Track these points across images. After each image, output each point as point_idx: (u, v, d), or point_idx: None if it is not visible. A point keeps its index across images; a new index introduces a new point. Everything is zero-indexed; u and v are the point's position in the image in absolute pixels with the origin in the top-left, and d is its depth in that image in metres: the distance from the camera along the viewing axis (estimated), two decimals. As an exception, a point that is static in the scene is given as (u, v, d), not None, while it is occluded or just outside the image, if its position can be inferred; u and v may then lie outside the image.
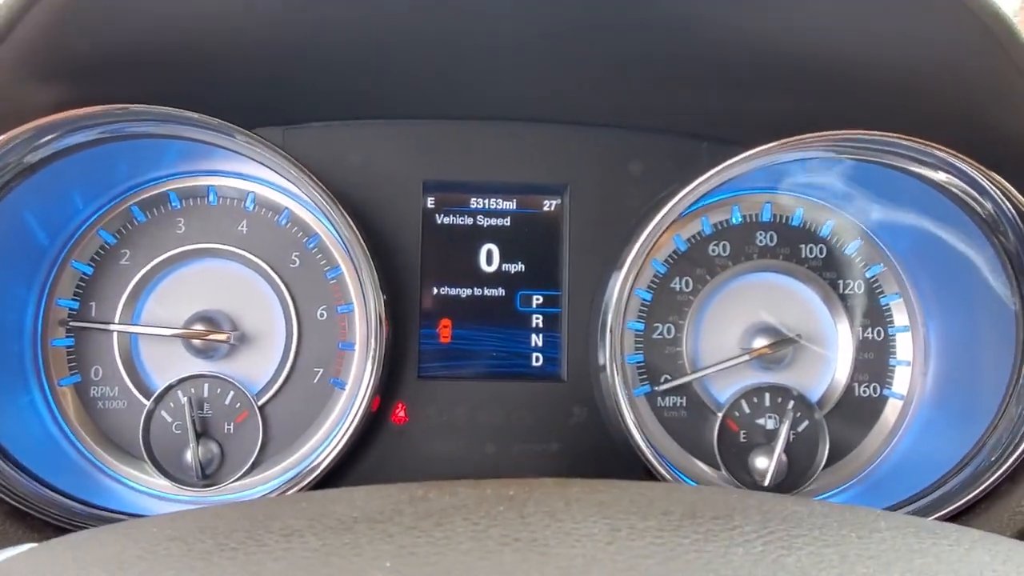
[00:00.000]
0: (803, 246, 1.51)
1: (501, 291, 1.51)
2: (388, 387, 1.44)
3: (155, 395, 1.39)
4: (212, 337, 1.40)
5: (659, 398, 1.48)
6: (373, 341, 1.32)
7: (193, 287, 1.44)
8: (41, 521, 1.20)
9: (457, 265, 1.51)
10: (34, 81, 1.19)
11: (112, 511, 1.27)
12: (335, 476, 1.35)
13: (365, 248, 1.31)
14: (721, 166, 1.29)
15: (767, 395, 1.46)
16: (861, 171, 1.40)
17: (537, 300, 1.51)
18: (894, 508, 1.32)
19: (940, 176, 1.31)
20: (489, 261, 1.51)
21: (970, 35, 1.10)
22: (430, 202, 1.51)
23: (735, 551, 0.59)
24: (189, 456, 1.37)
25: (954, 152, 1.24)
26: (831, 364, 1.50)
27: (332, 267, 1.46)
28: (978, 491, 1.25)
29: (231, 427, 1.42)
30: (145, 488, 1.41)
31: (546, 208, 1.52)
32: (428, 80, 1.40)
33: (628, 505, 0.68)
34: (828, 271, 1.51)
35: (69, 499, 1.26)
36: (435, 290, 1.50)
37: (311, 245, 1.46)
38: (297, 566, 0.56)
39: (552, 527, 0.63)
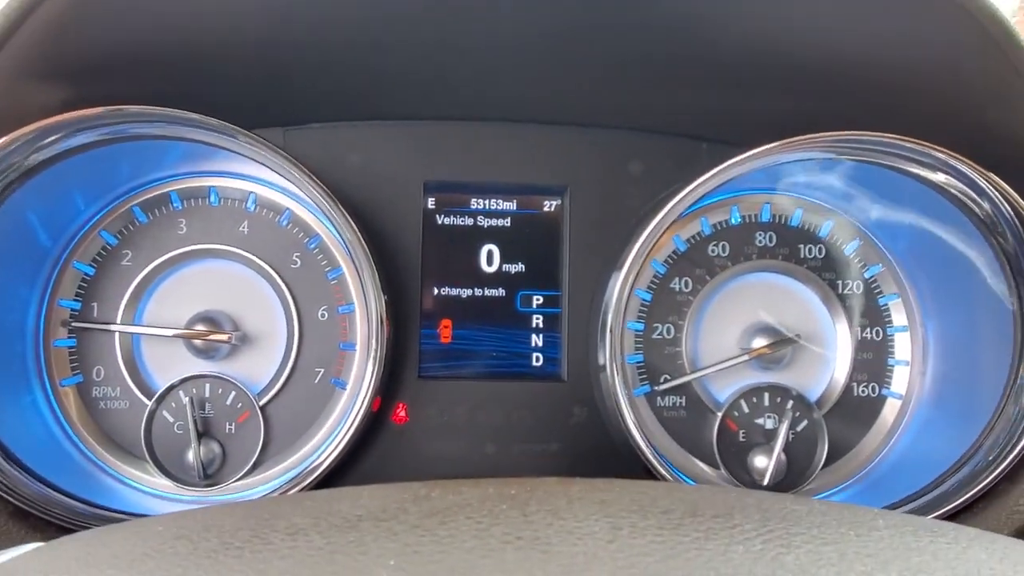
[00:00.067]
0: (802, 246, 1.52)
1: (501, 291, 1.52)
2: (389, 387, 1.44)
3: (157, 395, 1.40)
4: (213, 337, 1.41)
5: (659, 398, 1.49)
6: (374, 341, 1.33)
7: (194, 288, 1.45)
8: (44, 521, 1.20)
9: (458, 265, 1.51)
10: (37, 82, 1.19)
11: (114, 511, 1.27)
12: (336, 476, 1.35)
13: (366, 248, 1.31)
14: (721, 167, 1.29)
15: (766, 395, 1.47)
16: (860, 172, 1.41)
17: (537, 300, 1.52)
18: (893, 507, 1.32)
19: (939, 177, 1.31)
20: (489, 261, 1.52)
21: (968, 36, 1.11)
22: (431, 203, 1.51)
23: (735, 549, 0.60)
24: (191, 456, 1.38)
25: (953, 153, 1.24)
26: (830, 364, 1.51)
27: (333, 267, 1.46)
28: (976, 490, 1.26)
29: (232, 427, 1.42)
30: (147, 488, 1.42)
31: (546, 208, 1.53)
32: (429, 81, 1.40)
33: (629, 504, 0.69)
34: (827, 271, 1.51)
35: (71, 499, 1.26)
36: (436, 290, 1.50)
37: (312, 246, 1.46)
38: (302, 564, 0.57)
39: (554, 526, 0.63)
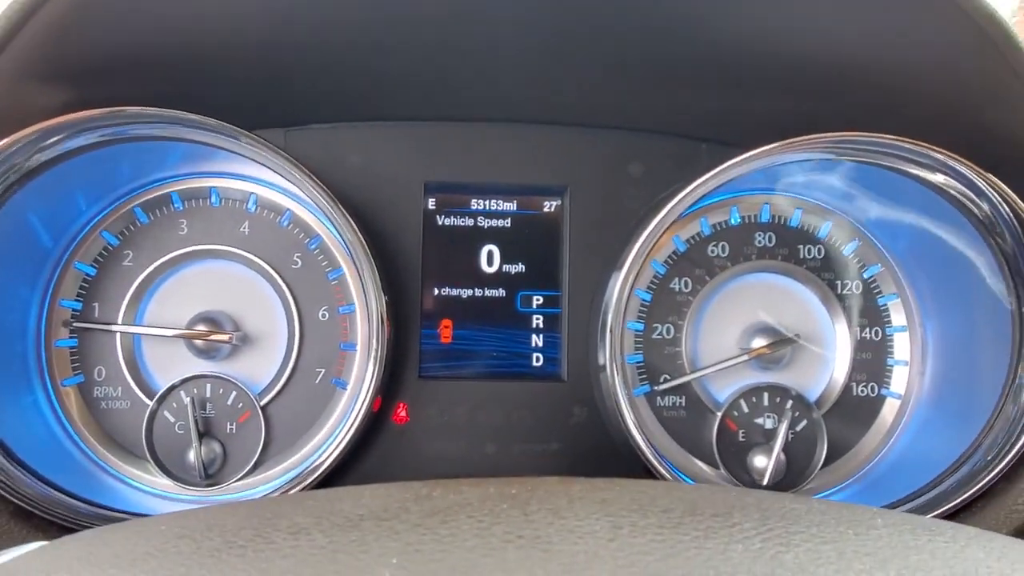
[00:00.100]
0: (801, 247, 1.52)
1: (502, 292, 1.52)
2: (389, 387, 1.44)
3: (158, 395, 1.40)
4: (214, 338, 1.41)
5: (659, 398, 1.49)
6: (374, 341, 1.33)
7: (195, 288, 1.45)
8: (46, 521, 1.21)
9: (458, 266, 1.52)
10: (38, 84, 1.20)
11: (115, 510, 1.28)
12: (337, 476, 1.36)
13: (366, 249, 1.32)
14: (721, 167, 1.30)
15: (766, 395, 1.47)
16: (859, 172, 1.41)
17: (537, 300, 1.52)
18: (892, 506, 1.32)
19: (938, 178, 1.32)
20: (490, 262, 1.52)
21: (966, 37, 1.11)
22: (431, 203, 1.51)
23: (734, 548, 0.60)
24: (192, 456, 1.38)
25: (951, 154, 1.25)
26: (829, 364, 1.51)
27: (334, 268, 1.47)
28: (975, 490, 1.26)
29: (233, 427, 1.42)
30: (148, 488, 1.42)
31: (546, 209, 1.53)
32: (429, 82, 1.40)
33: (629, 503, 0.69)
34: (826, 271, 1.52)
35: (73, 499, 1.26)
36: (436, 291, 1.51)
37: (313, 246, 1.47)
38: (305, 563, 0.57)
39: (555, 525, 0.64)
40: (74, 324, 1.43)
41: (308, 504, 0.69)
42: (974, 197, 1.30)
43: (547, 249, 1.52)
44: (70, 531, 1.20)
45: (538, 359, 1.51)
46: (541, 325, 1.52)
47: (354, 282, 1.45)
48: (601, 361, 1.37)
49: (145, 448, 1.39)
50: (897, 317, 1.52)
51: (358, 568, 0.56)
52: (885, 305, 1.52)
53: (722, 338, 1.50)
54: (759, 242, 1.52)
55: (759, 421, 1.47)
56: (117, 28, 1.16)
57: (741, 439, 1.47)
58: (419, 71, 1.36)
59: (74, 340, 1.43)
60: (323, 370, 1.45)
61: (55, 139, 1.23)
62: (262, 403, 1.43)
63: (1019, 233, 1.28)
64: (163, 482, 1.40)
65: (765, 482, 1.41)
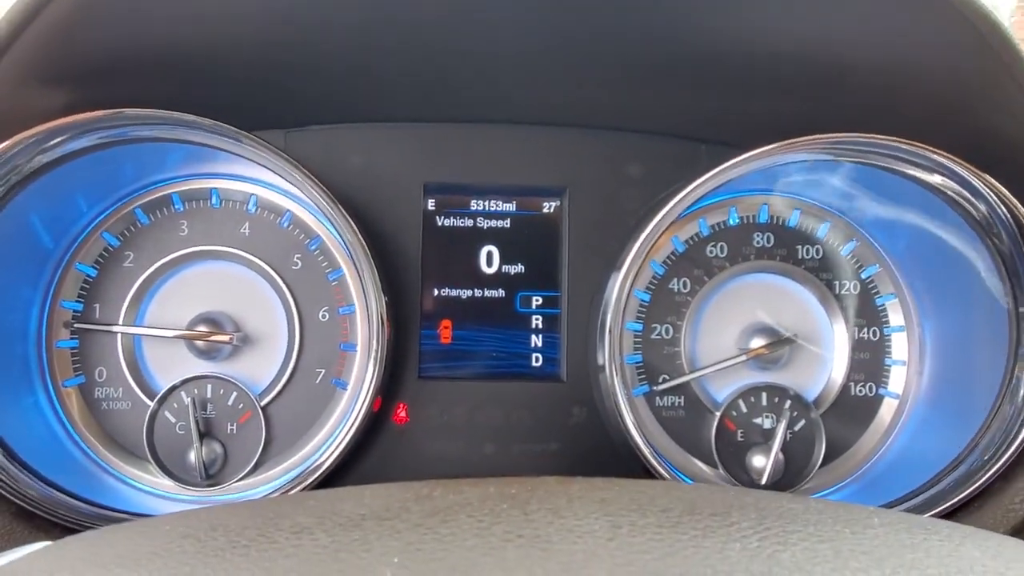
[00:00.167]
0: (800, 247, 1.53)
1: (501, 292, 1.52)
2: (389, 387, 1.45)
3: (159, 396, 1.41)
4: (215, 338, 1.42)
5: (657, 398, 1.50)
6: (374, 342, 1.34)
7: (196, 289, 1.46)
8: (48, 521, 1.21)
9: (457, 266, 1.52)
10: (40, 86, 1.20)
11: (117, 511, 1.28)
12: (337, 476, 1.36)
13: (366, 250, 1.32)
14: (719, 168, 1.30)
15: (764, 395, 1.48)
16: (857, 173, 1.42)
17: (537, 301, 1.53)
18: (889, 506, 1.33)
19: (935, 178, 1.32)
20: (489, 262, 1.53)
21: (963, 39, 1.12)
22: (431, 204, 1.52)
23: (732, 547, 0.61)
24: (193, 456, 1.38)
25: (949, 155, 1.25)
26: (827, 364, 1.52)
27: (334, 269, 1.47)
28: (972, 489, 1.27)
29: (234, 427, 1.43)
30: (149, 488, 1.43)
31: (546, 210, 1.54)
32: (428, 83, 1.41)
33: (628, 502, 0.70)
34: (824, 272, 1.52)
35: (74, 499, 1.27)
36: (436, 291, 1.51)
37: (313, 247, 1.47)
38: (308, 562, 0.58)
39: (554, 524, 0.64)
40: (75, 325, 1.43)
41: (310, 504, 0.70)
42: (971, 198, 1.31)
43: (546, 250, 1.53)
44: (72, 531, 1.21)
45: (537, 359, 1.52)
46: (540, 325, 1.52)
47: (354, 283, 1.46)
48: (600, 361, 1.37)
49: (146, 448, 1.39)
50: (895, 317, 1.52)
51: (360, 567, 0.57)
52: (883, 305, 1.53)
53: (721, 338, 1.51)
54: (757, 242, 1.52)
55: (757, 421, 1.48)
56: (118, 30, 1.17)
57: (740, 439, 1.47)
58: (418, 72, 1.37)
59: (75, 341, 1.44)
60: (323, 370, 1.46)
61: (56, 141, 1.23)
62: (262, 403, 1.44)
63: (1016, 233, 1.28)
64: (164, 482, 1.41)
65: (764, 481, 1.42)
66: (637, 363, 1.50)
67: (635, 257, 1.35)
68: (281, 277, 1.46)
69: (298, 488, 1.30)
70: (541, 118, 1.51)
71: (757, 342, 1.47)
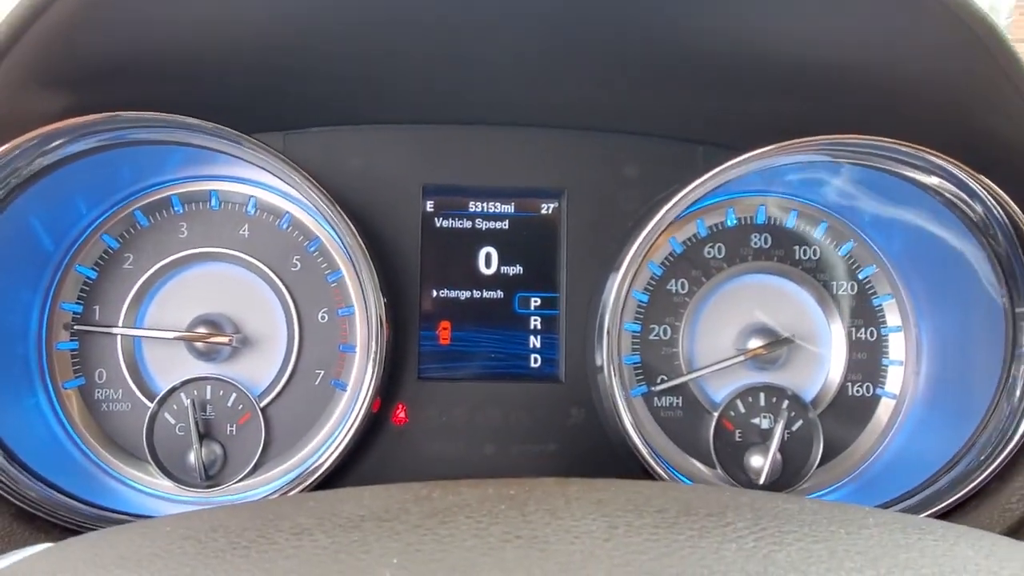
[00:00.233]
0: (797, 248, 1.53)
1: (499, 293, 1.53)
2: (388, 388, 1.45)
3: (158, 397, 1.41)
4: (214, 340, 1.42)
5: (656, 398, 1.50)
6: (373, 343, 1.34)
7: (195, 291, 1.46)
8: (48, 522, 1.22)
9: (456, 268, 1.53)
10: (39, 90, 1.20)
11: (117, 512, 1.28)
12: (336, 477, 1.36)
13: (365, 251, 1.33)
14: (717, 169, 1.31)
15: (762, 395, 1.48)
16: (854, 174, 1.43)
17: (535, 302, 1.53)
18: (886, 505, 1.33)
19: (932, 180, 1.33)
20: (488, 264, 1.53)
21: (959, 41, 1.12)
22: (429, 206, 1.52)
23: (728, 547, 0.61)
24: (192, 457, 1.39)
25: (945, 156, 1.26)
26: (825, 364, 1.53)
27: (333, 270, 1.48)
28: (968, 489, 1.27)
29: (234, 429, 1.43)
30: (149, 489, 1.43)
31: (544, 211, 1.54)
32: (427, 86, 1.41)
33: (625, 503, 0.70)
34: (821, 272, 1.53)
35: (74, 500, 1.27)
36: (434, 292, 1.52)
37: (312, 249, 1.48)
38: (308, 563, 0.58)
39: (552, 525, 0.65)
40: (75, 327, 1.44)
41: (310, 505, 0.70)
42: (968, 199, 1.31)
43: (545, 251, 1.53)
44: (72, 533, 1.21)
45: (536, 360, 1.52)
46: (539, 326, 1.53)
47: (353, 284, 1.46)
48: (598, 362, 1.38)
49: (146, 450, 1.40)
50: (892, 317, 1.53)
51: (359, 568, 0.57)
52: (880, 305, 1.53)
53: (718, 339, 1.52)
54: (755, 243, 1.53)
55: (755, 421, 1.48)
56: (118, 33, 1.17)
57: (738, 439, 1.48)
58: (417, 75, 1.37)
59: (75, 343, 1.44)
60: (322, 372, 1.46)
61: (56, 144, 1.24)
62: (262, 405, 1.44)
63: (1012, 234, 1.29)
64: (164, 483, 1.41)
65: (761, 481, 1.42)
66: (635, 364, 1.50)
67: (633, 258, 1.35)
68: (280, 279, 1.46)
69: (298, 489, 1.30)
70: (539, 120, 1.51)
71: (755, 343, 1.48)
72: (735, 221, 1.53)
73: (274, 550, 0.60)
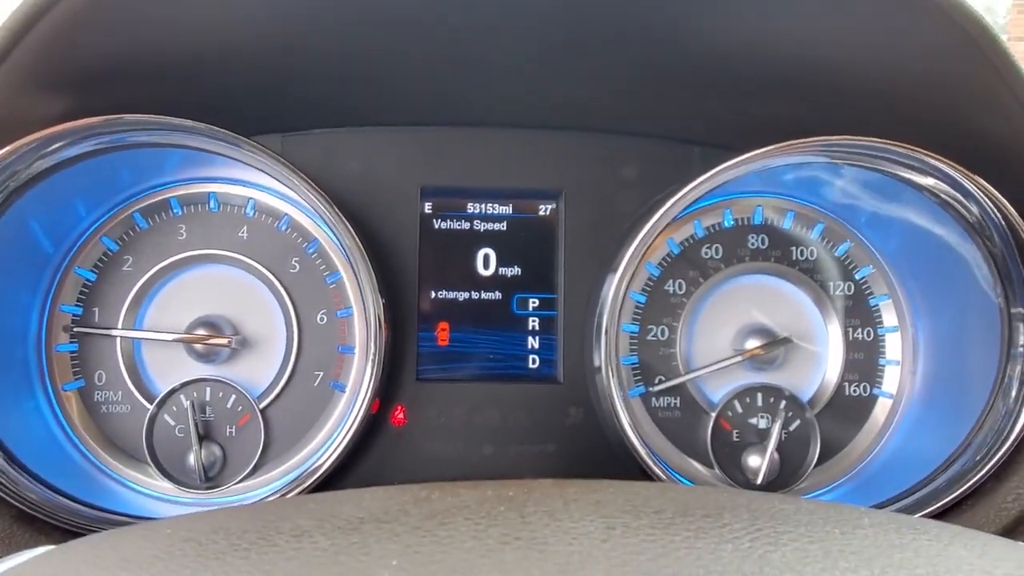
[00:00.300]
0: (794, 248, 1.54)
1: (498, 294, 1.53)
2: (387, 389, 1.46)
3: (158, 399, 1.42)
4: (213, 341, 1.43)
5: (654, 399, 1.51)
6: (372, 344, 1.34)
7: (195, 292, 1.46)
8: (48, 524, 1.22)
9: (454, 269, 1.53)
10: (38, 93, 1.21)
11: (117, 513, 1.29)
12: (336, 478, 1.37)
13: (364, 253, 1.33)
14: (714, 170, 1.31)
15: (759, 395, 1.49)
16: (851, 175, 1.43)
17: (533, 303, 1.54)
18: (883, 505, 1.34)
19: (928, 181, 1.33)
20: (486, 265, 1.54)
21: (953, 42, 1.13)
22: (427, 207, 1.53)
23: (724, 547, 0.62)
24: (192, 459, 1.39)
25: (942, 158, 1.26)
26: (822, 364, 1.53)
27: (331, 272, 1.48)
28: (964, 488, 1.28)
29: (233, 430, 1.44)
30: (149, 491, 1.43)
31: (542, 212, 1.55)
32: (425, 88, 1.42)
33: (623, 504, 0.71)
34: (818, 273, 1.54)
35: (75, 502, 1.27)
36: (433, 294, 1.52)
37: (311, 250, 1.48)
38: (308, 565, 0.59)
39: (550, 526, 0.65)
40: (74, 329, 1.44)
41: (310, 507, 0.71)
42: (963, 200, 1.32)
43: (542, 252, 1.54)
44: (72, 535, 1.22)
45: (534, 361, 1.53)
46: (537, 327, 1.53)
47: (352, 286, 1.47)
48: (597, 363, 1.38)
49: (146, 451, 1.40)
50: (888, 317, 1.53)
51: (359, 570, 0.58)
52: (877, 306, 1.54)
53: (716, 339, 1.52)
54: (752, 244, 1.53)
55: (753, 421, 1.49)
56: (117, 36, 1.17)
57: (735, 439, 1.48)
58: (416, 76, 1.37)
59: (74, 345, 1.44)
60: (321, 373, 1.47)
61: (55, 147, 1.24)
62: (261, 406, 1.44)
63: (1007, 235, 1.29)
64: (164, 485, 1.42)
65: (759, 481, 1.43)
66: (633, 364, 1.51)
67: (631, 259, 1.36)
68: (279, 280, 1.46)
69: (297, 490, 1.31)
70: (537, 121, 1.52)
71: (752, 343, 1.48)
72: (732, 222, 1.53)
73: (274, 552, 0.61)
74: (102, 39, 1.17)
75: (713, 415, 1.48)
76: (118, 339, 1.44)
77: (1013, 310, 1.33)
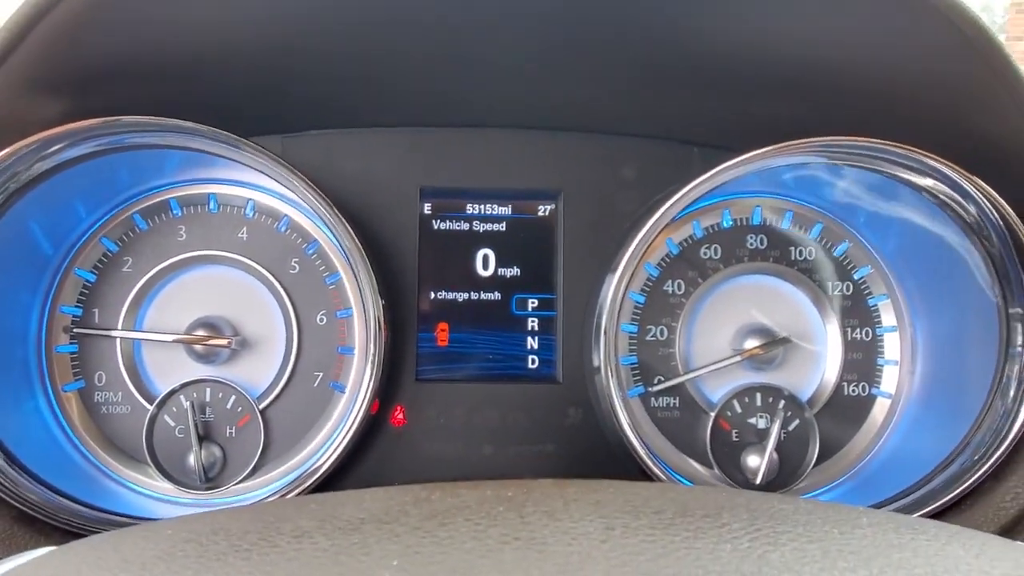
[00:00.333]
0: (792, 248, 1.54)
1: (497, 295, 1.54)
2: (387, 390, 1.46)
3: (158, 400, 1.42)
4: (213, 342, 1.43)
5: (653, 399, 1.51)
6: (372, 345, 1.35)
7: (194, 293, 1.47)
8: (49, 525, 1.22)
9: (453, 270, 1.53)
10: (38, 94, 1.21)
11: (117, 514, 1.29)
12: (336, 478, 1.37)
13: (363, 254, 1.33)
14: (714, 171, 1.31)
15: (758, 395, 1.49)
16: (849, 175, 1.44)
17: (532, 303, 1.54)
18: (882, 505, 1.34)
19: (926, 181, 1.34)
20: (485, 265, 1.54)
21: (950, 43, 1.13)
22: (427, 208, 1.53)
23: (723, 547, 0.62)
24: (192, 460, 1.39)
25: (940, 158, 1.27)
26: (821, 364, 1.53)
27: (331, 273, 1.48)
28: (963, 488, 1.28)
29: (233, 431, 1.44)
30: (149, 491, 1.44)
31: (540, 213, 1.55)
32: (424, 88, 1.42)
33: (622, 504, 0.71)
34: (817, 273, 1.54)
35: (75, 503, 1.28)
36: (432, 294, 1.53)
37: (310, 251, 1.48)
38: (308, 565, 0.59)
39: (550, 526, 0.66)
40: (74, 330, 1.44)
41: (311, 508, 0.71)
42: (962, 200, 1.32)
43: (541, 253, 1.54)
44: (72, 535, 1.22)
45: (533, 361, 1.53)
46: (536, 328, 1.53)
47: (351, 286, 1.47)
48: (596, 363, 1.38)
49: (146, 452, 1.40)
50: (887, 317, 1.54)
51: (359, 570, 0.58)
52: (875, 306, 1.54)
53: (715, 339, 1.52)
54: (751, 244, 1.54)
55: (752, 421, 1.49)
56: (117, 36, 1.17)
57: (735, 439, 1.49)
58: (415, 77, 1.38)
59: (74, 346, 1.44)
60: (321, 374, 1.47)
61: (55, 148, 1.24)
62: (261, 407, 1.45)
63: (1005, 235, 1.30)
64: (164, 486, 1.42)
65: (758, 481, 1.43)
66: (632, 364, 1.51)
67: (630, 259, 1.36)
68: (279, 281, 1.47)
69: (297, 490, 1.31)
70: (536, 122, 1.52)
71: (751, 343, 1.49)
72: (731, 222, 1.54)
73: (275, 552, 0.61)
74: (103, 39, 1.17)
75: (712, 415, 1.48)
76: (118, 340, 1.44)
77: (1011, 310, 1.34)
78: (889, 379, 1.53)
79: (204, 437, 1.42)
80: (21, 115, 1.21)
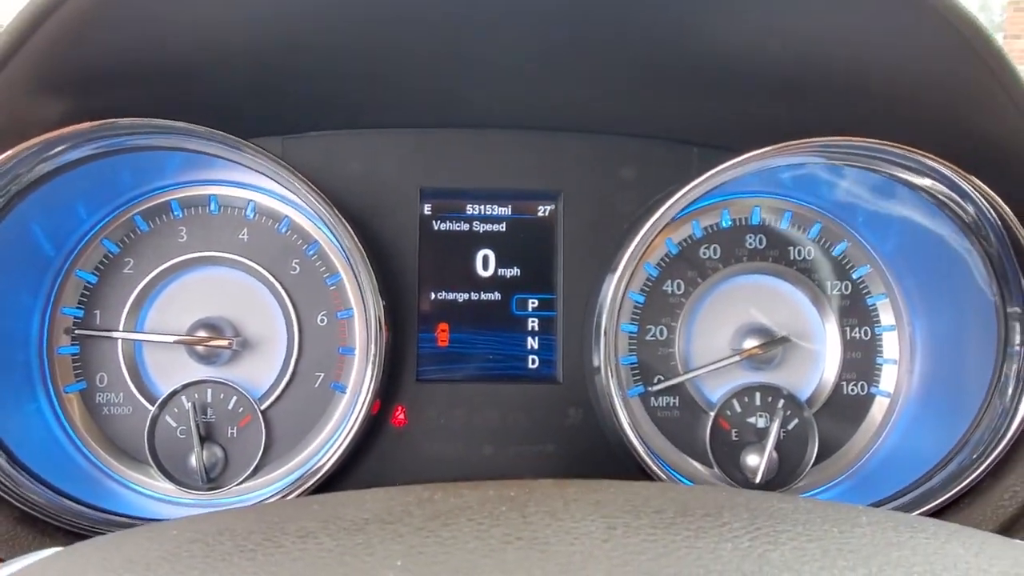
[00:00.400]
0: (791, 248, 1.55)
1: (497, 295, 1.54)
2: (388, 390, 1.46)
3: (159, 401, 1.42)
4: (214, 343, 1.43)
5: (652, 398, 1.51)
6: (373, 345, 1.35)
7: (195, 294, 1.47)
8: (51, 526, 1.23)
9: (454, 270, 1.54)
10: (39, 97, 1.21)
11: (119, 515, 1.29)
12: (337, 478, 1.37)
13: (364, 255, 1.34)
14: (713, 171, 1.32)
15: (758, 394, 1.49)
16: (848, 175, 1.44)
17: (532, 304, 1.54)
18: (881, 503, 1.35)
19: (925, 181, 1.34)
20: (485, 266, 1.55)
21: (948, 43, 1.13)
22: (427, 209, 1.53)
23: (724, 547, 0.62)
24: (193, 460, 1.40)
25: (938, 158, 1.27)
26: (820, 363, 1.54)
27: (332, 273, 1.49)
28: (962, 486, 1.29)
29: (234, 431, 1.44)
30: (150, 492, 1.44)
31: (540, 214, 1.55)
32: (424, 90, 1.42)
33: (623, 504, 0.72)
34: (816, 272, 1.54)
35: (77, 504, 1.28)
36: (432, 295, 1.53)
37: (311, 252, 1.49)
38: (313, 566, 0.59)
39: (552, 526, 0.66)
40: (76, 331, 1.44)
41: (315, 508, 0.71)
42: (960, 200, 1.32)
43: (541, 253, 1.54)
44: (75, 536, 1.22)
45: (533, 361, 1.54)
46: (536, 328, 1.54)
47: (352, 287, 1.47)
48: (596, 363, 1.39)
49: (147, 453, 1.41)
50: (886, 316, 1.54)
51: (363, 570, 0.59)
52: (874, 305, 1.55)
53: (714, 339, 1.53)
54: (750, 244, 1.54)
55: (751, 420, 1.49)
56: (120, 36, 1.18)
57: (734, 438, 1.49)
58: (415, 76, 1.38)
59: (76, 347, 1.45)
60: (322, 374, 1.47)
61: (56, 151, 1.24)
62: (262, 407, 1.45)
63: (1003, 235, 1.30)
64: (165, 486, 1.42)
65: (758, 480, 1.44)
66: (632, 364, 1.51)
67: (629, 259, 1.36)
68: (280, 282, 1.47)
69: (299, 491, 1.31)
70: (536, 122, 1.52)
71: (750, 342, 1.49)
72: (730, 222, 1.54)
73: (280, 553, 0.62)
74: (107, 38, 1.17)
75: (712, 414, 1.49)
76: (119, 341, 1.44)
77: (1009, 309, 1.34)
78: (888, 378, 1.53)
79: (205, 438, 1.42)
80: (23, 117, 1.21)
